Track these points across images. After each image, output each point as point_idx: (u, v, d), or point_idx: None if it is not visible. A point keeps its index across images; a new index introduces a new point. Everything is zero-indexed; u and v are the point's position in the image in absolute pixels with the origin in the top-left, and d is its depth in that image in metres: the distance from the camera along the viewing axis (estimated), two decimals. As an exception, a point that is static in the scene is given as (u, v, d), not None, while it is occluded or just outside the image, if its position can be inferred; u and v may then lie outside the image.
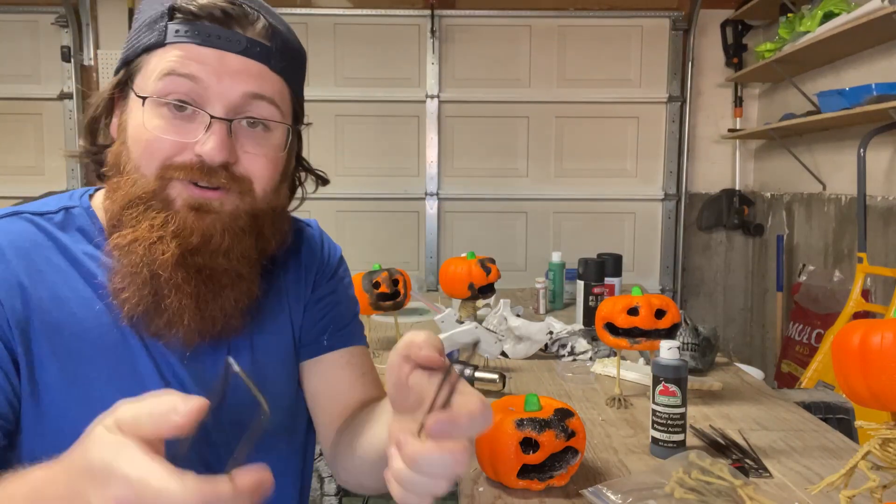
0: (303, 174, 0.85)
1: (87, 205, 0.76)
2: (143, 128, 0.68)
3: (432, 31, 3.61)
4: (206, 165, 0.68)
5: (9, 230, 0.71)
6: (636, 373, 1.53)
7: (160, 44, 0.69)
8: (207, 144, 0.67)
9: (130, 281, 0.68)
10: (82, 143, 0.77)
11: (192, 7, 0.69)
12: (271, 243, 0.77)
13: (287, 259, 0.85)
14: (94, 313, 0.70)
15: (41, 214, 0.73)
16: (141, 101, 0.68)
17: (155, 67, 0.69)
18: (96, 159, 0.76)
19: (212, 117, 0.67)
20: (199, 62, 0.67)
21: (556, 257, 2.43)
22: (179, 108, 0.68)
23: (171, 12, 0.69)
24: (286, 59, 0.73)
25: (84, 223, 0.74)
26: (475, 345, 1.58)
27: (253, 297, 0.75)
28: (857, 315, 2.51)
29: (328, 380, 0.86)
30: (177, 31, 0.68)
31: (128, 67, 0.72)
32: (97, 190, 0.79)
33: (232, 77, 0.68)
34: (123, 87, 0.72)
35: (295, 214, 0.86)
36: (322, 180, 0.87)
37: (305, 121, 0.81)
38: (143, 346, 0.72)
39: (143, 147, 0.68)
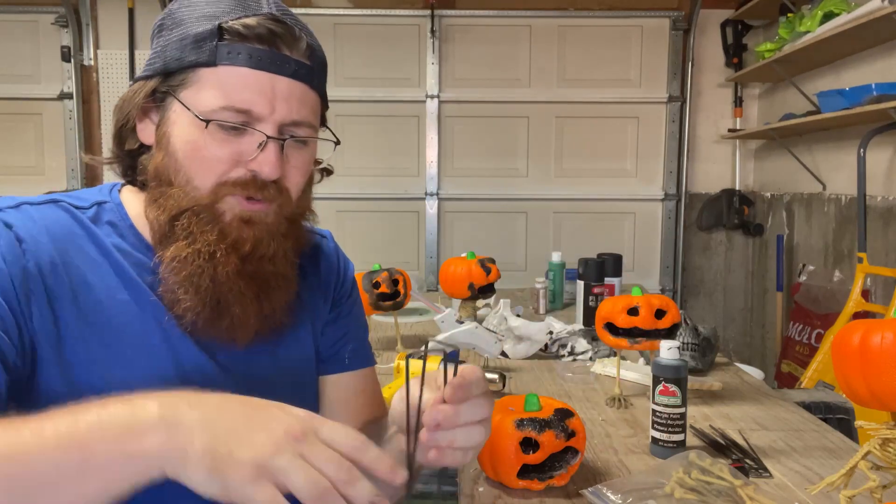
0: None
1: (118, 200, 0.79)
2: (197, 145, 0.71)
3: (432, 31, 3.61)
4: (260, 181, 0.72)
5: (46, 216, 0.73)
6: (636, 373, 1.53)
7: (211, 63, 0.71)
8: (265, 164, 0.71)
9: (193, 291, 0.72)
10: (113, 148, 0.80)
11: (239, 28, 0.71)
12: (302, 242, 0.82)
13: (306, 268, 0.88)
14: (119, 302, 0.73)
15: (77, 208, 0.76)
16: (192, 117, 0.71)
17: (209, 89, 0.71)
18: (125, 164, 0.80)
19: (267, 137, 0.72)
20: (253, 89, 0.71)
21: (556, 257, 2.43)
22: (234, 127, 0.72)
23: (220, 32, 0.71)
24: (321, 74, 0.78)
25: (114, 217, 0.77)
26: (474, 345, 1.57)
27: (294, 292, 0.81)
28: (857, 315, 2.51)
29: (347, 397, 0.91)
30: (228, 52, 0.71)
31: (167, 78, 0.74)
32: (124, 185, 0.82)
33: (281, 102, 0.72)
34: (162, 95, 0.74)
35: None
36: (326, 172, 0.91)
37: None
38: (166, 338, 0.74)
39: (199, 164, 0.72)
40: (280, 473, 0.51)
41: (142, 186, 0.78)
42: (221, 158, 0.71)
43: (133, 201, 0.79)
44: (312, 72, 0.75)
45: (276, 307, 0.77)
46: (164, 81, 0.74)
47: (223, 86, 0.71)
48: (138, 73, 0.77)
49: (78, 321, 0.71)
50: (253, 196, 0.72)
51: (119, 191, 0.81)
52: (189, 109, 0.72)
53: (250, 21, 0.71)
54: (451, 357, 0.65)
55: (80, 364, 0.70)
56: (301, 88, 0.74)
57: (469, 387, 0.64)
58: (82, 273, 0.72)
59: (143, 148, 0.78)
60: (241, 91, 0.71)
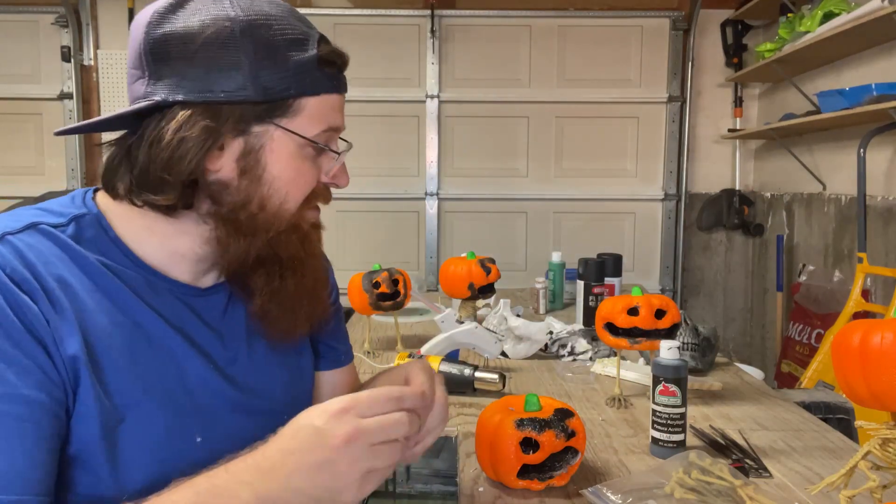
0: None
1: (95, 210, 0.74)
2: (302, 169, 0.76)
3: (432, 31, 3.61)
4: (330, 192, 0.82)
5: (31, 246, 0.68)
6: (636, 373, 1.53)
7: (316, 93, 0.75)
8: (342, 177, 0.81)
9: (268, 295, 0.80)
10: (162, 174, 0.71)
11: (335, 59, 0.76)
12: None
13: None
14: (112, 320, 0.70)
15: (56, 227, 0.71)
16: (299, 142, 0.74)
17: (316, 115, 0.75)
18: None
19: (338, 153, 0.79)
20: (339, 111, 0.79)
21: (556, 257, 2.43)
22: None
23: (320, 61, 0.75)
24: None
25: (95, 232, 0.73)
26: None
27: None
28: (857, 315, 2.51)
29: (338, 391, 0.97)
30: (331, 82, 0.76)
31: (262, 107, 0.71)
32: (97, 190, 0.77)
33: (343, 118, 0.81)
34: (250, 125, 0.71)
35: None
36: None
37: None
38: (171, 354, 0.74)
39: (298, 186, 0.77)
40: (371, 471, 0.62)
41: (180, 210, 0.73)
42: (314, 177, 0.78)
43: (114, 209, 0.74)
44: None
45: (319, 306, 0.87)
46: (260, 110, 0.71)
47: (325, 111, 0.76)
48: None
49: (88, 347, 0.67)
50: (323, 204, 0.82)
51: (93, 198, 0.76)
52: (301, 136, 0.74)
53: (335, 51, 0.77)
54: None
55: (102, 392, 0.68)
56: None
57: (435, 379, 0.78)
58: (81, 297, 0.68)
59: (205, 177, 0.72)
60: (336, 115, 0.78)
